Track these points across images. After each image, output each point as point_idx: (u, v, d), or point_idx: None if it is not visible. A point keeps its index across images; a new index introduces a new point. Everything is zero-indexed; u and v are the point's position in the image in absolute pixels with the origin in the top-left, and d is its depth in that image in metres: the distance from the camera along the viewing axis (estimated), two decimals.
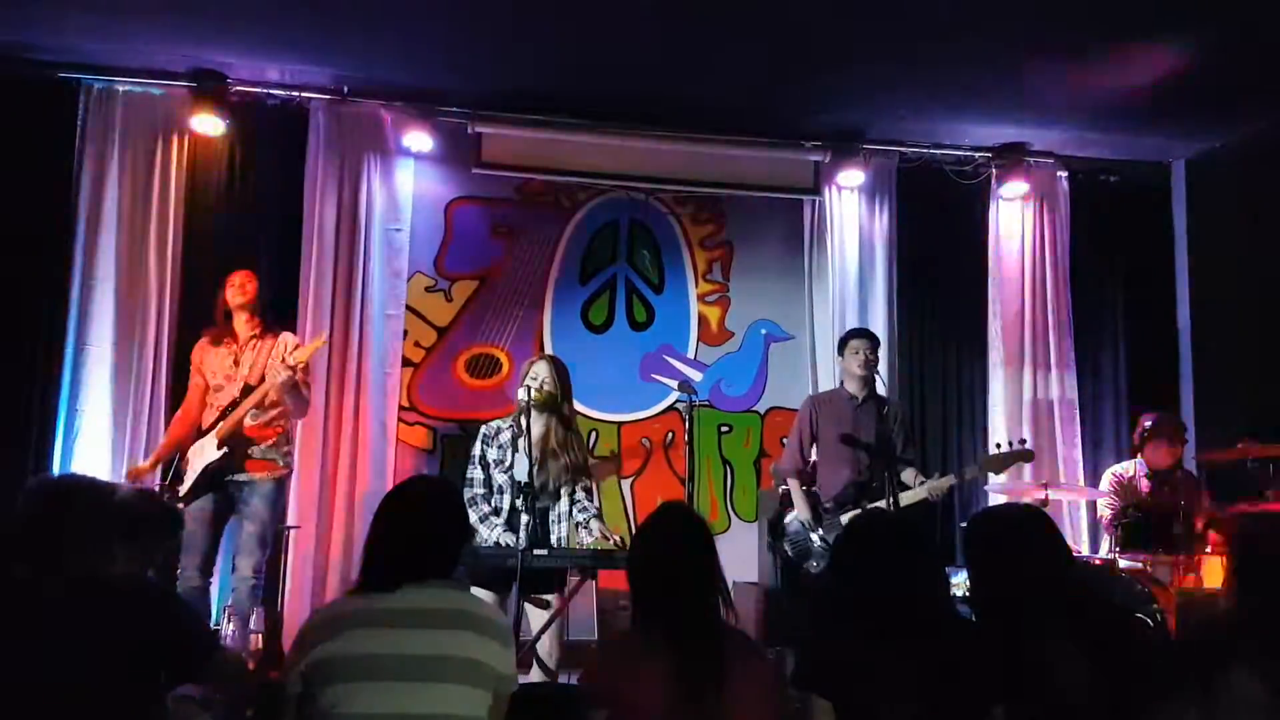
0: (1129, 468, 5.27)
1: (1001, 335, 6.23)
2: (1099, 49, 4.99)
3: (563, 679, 3.77)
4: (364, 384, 5.54)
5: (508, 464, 3.94)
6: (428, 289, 5.86)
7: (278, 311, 4.81)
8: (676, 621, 2.31)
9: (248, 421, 4.45)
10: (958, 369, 6.26)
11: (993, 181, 6.27)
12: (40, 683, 2.03)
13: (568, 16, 4.80)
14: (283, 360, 4.42)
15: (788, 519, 4.79)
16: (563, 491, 3.99)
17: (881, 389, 4.90)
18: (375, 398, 5.57)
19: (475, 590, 3.26)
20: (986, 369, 6.25)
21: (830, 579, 2.61)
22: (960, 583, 3.64)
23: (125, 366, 5.24)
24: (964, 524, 4.00)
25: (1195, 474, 5.40)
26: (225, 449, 4.41)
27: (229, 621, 3.34)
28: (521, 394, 3.95)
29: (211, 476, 4.41)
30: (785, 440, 5.12)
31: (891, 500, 4.31)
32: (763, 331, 6.24)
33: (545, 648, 3.77)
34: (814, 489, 4.82)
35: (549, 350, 5.73)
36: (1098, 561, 5.06)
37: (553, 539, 3.93)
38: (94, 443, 5.15)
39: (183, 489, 4.42)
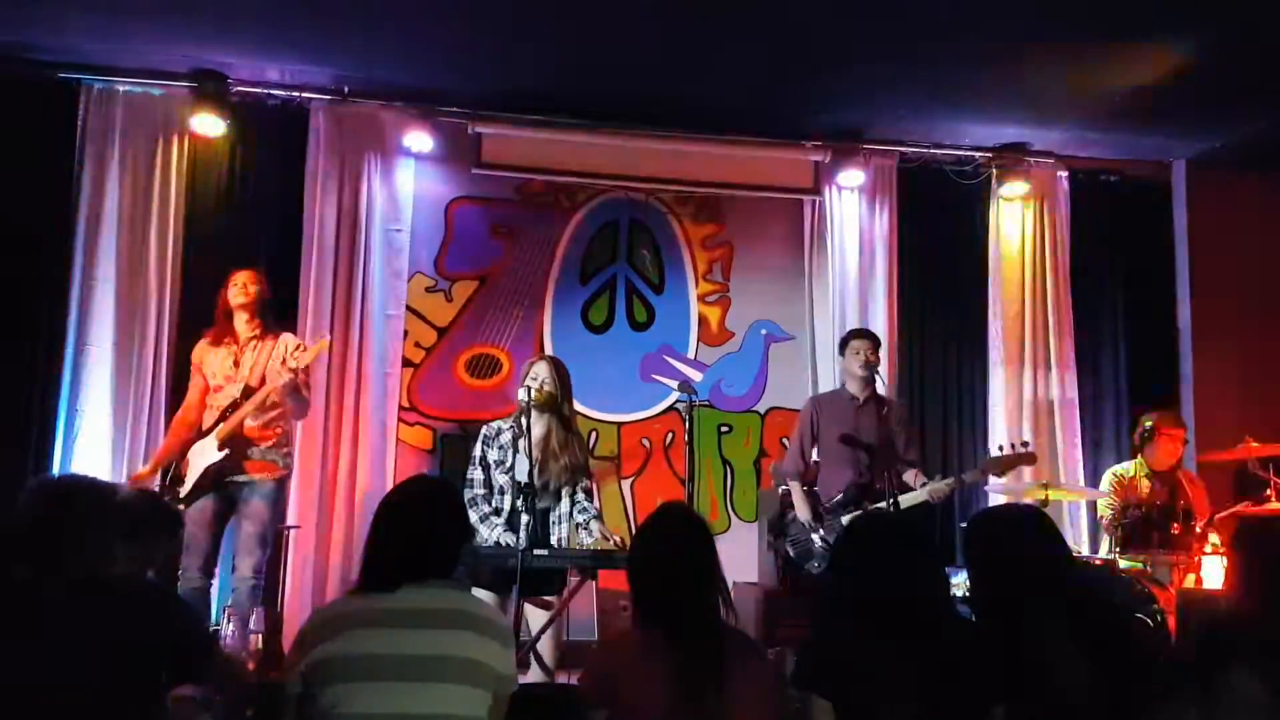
0: (1129, 468, 5.26)
1: (1001, 335, 6.23)
2: (1099, 49, 5.00)
3: (561, 679, 3.76)
4: (364, 384, 5.54)
5: (508, 465, 3.94)
6: (428, 289, 5.86)
7: (277, 312, 4.80)
8: (676, 621, 2.31)
9: (248, 423, 4.45)
10: (958, 369, 6.25)
11: (993, 181, 6.27)
12: (40, 683, 2.03)
13: (568, 16, 4.79)
14: (283, 362, 4.42)
15: (789, 519, 4.80)
16: (563, 492, 3.99)
17: (881, 389, 4.90)
18: (375, 398, 5.57)
19: (475, 591, 3.26)
20: (986, 369, 6.24)
21: (830, 579, 2.60)
22: (960, 583, 3.63)
23: (125, 366, 5.24)
24: (964, 524, 4.00)
25: (1195, 474, 5.40)
26: (226, 450, 4.40)
27: (229, 622, 3.33)
28: (521, 394, 3.95)
29: (212, 478, 4.41)
30: (785, 441, 5.12)
31: (891, 502, 4.31)
32: (763, 332, 6.24)
33: (543, 647, 3.78)
34: (814, 489, 4.82)
35: (549, 350, 5.73)
36: (1098, 561, 5.06)
37: (553, 539, 3.93)
38: (94, 443, 5.15)
39: (183, 490, 4.41)
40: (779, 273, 6.24)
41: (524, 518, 3.74)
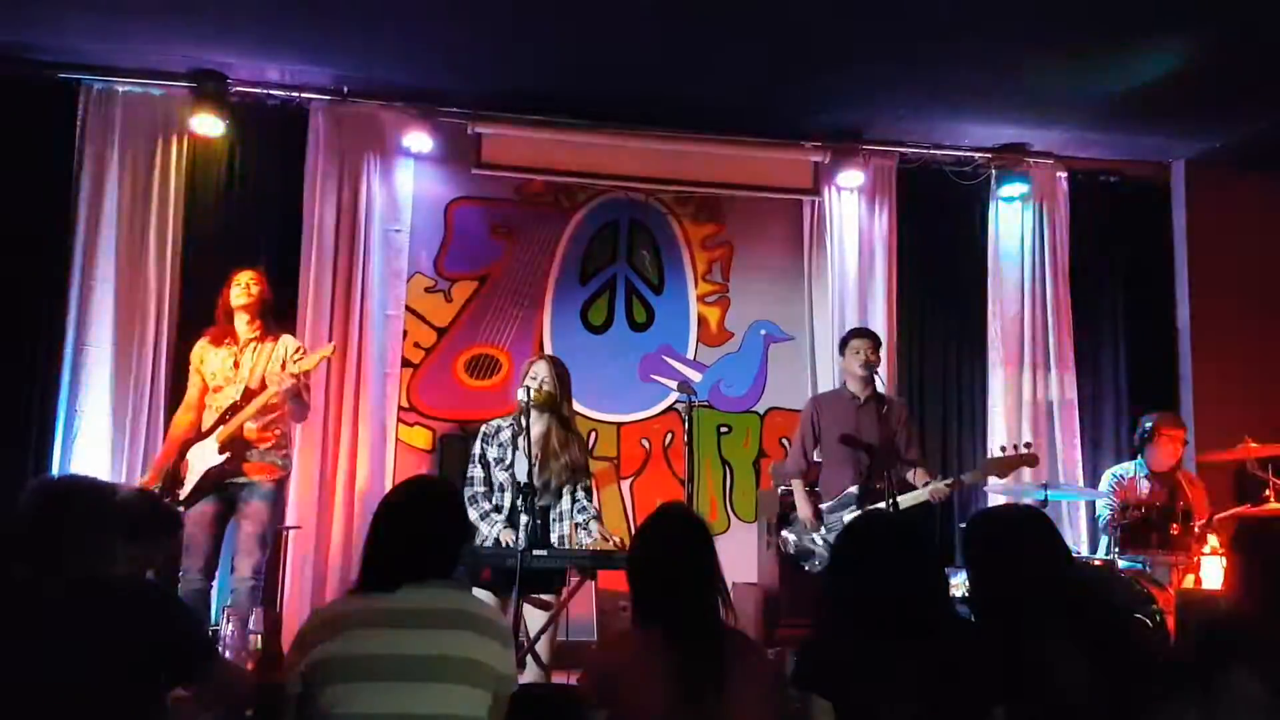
0: (1129, 468, 5.27)
1: (1001, 335, 6.23)
2: (1099, 49, 5.00)
3: (558, 678, 3.77)
4: (364, 384, 5.54)
5: (508, 462, 3.95)
6: (427, 289, 5.86)
7: (277, 313, 4.79)
8: (676, 621, 2.31)
9: (247, 425, 4.44)
10: (958, 369, 6.26)
11: (992, 182, 6.27)
12: (40, 683, 2.03)
13: (568, 16, 4.79)
14: (283, 366, 4.42)
15: (791, 519, 4.81)
16: (564, 490, 3.99)
17: (881, 389, 4.91)
18: (375, 398, 5.57)
19: (475, 591, 3.26)
20: (986, 369, 6.24)
21: (830, 579, 2.60)
22: (960, 583, 3.63)
23: (125, 366, 5.24)
24: (964, 524, 4.00)
25: (1195, 474, 5.40)
26: (227, 454, 4.39)
27: (229, 622, 3.33)
28: (521, 394, 3.95)
29: (212, 480, 4.40)
30: (784, 441, 5.12)
31: (891, 501, 4.31)
32: (762, 332, 6.24)
33: (540, 646, 3.77)
34: (815, 489, 4.82)
35: (548, 351, 5.73)
36: (1098, 562, 5.06)
37: (553, 537, 3.93)
38: (94, 443, 5.15)
39: (183, 492, 4.40)
40: (779, 273, 6.25)
41: (523, 517, 3.74)
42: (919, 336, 6.23)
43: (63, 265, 5.24)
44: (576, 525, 3.96)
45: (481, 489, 3.98)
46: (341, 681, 2.13)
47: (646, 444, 6.00)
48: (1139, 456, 5.23)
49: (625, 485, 5.95)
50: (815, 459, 4.93)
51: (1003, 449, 4.84)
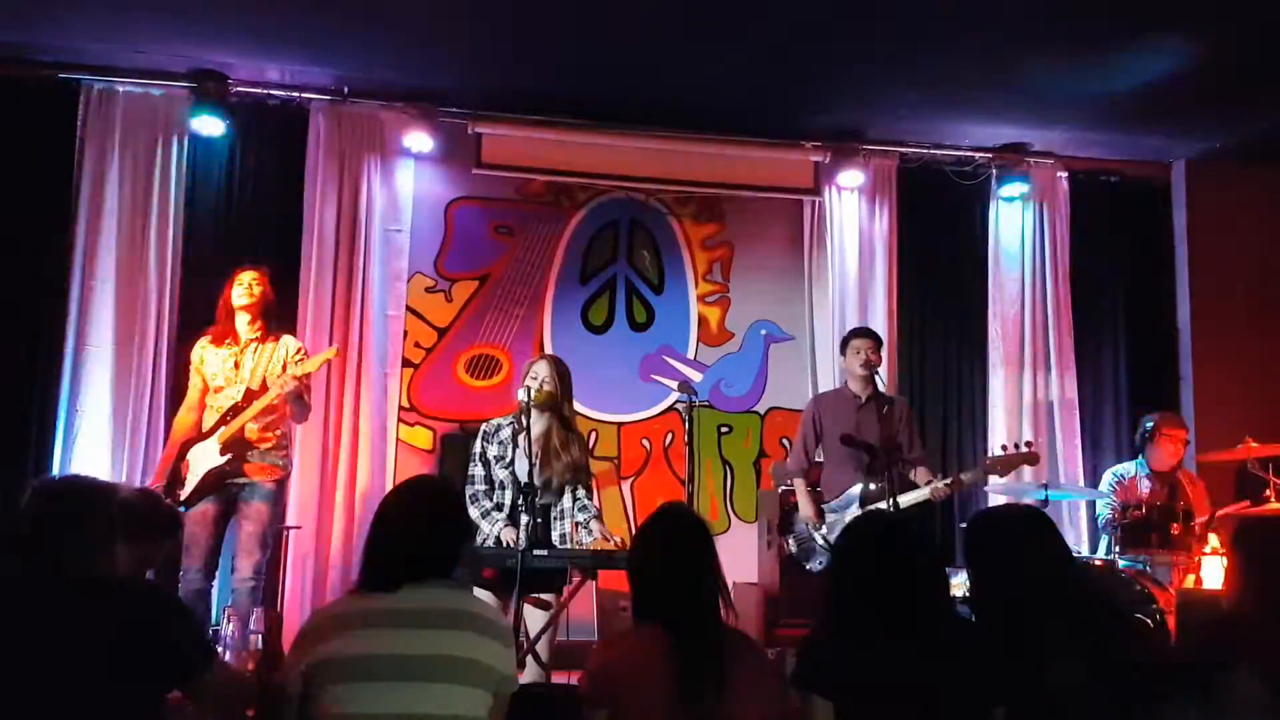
0: (1129, 468, 5.27)
1: (1001, 335, 6.24)
2: (1099, 49, 5.00)
3: (557, 678, 3.77)
4: (364, 384, 5.54)
5: (509, 459, 3.96)
6: (428, 289, 5.86)
7: (277, 314, 4.79)
8: (676, 621, 2.31)
9: (248, 426, 4.44)
10: (958, 369, 6.26)
11: (993, 182, 6.27)
12: (40, 683, 2.03)
13: (568, 16, 4.80)
14: (284, 368, 4.41)
15: (793, 519, 4.82)
16: (565, 489, 4.00)
17: (882, 388, 4.90)
18: (375, 398, 5.57)
19: (476, 591, 3.26)
20: (986, 369, 6.25)
21: (831, 578, 2.60)
22: (960, 583, 3.63)
23: (125, 366, 5.24)
24: (964, 524, 4.00)
25: (1195, 474, 5.40)
26: (228, 455, 4.39)
27: (229, 622, 3.33)
28: (521, 393, 3.95)
29: (213, 481, 4.39)
30: (784, 441, 5.12)
31: (891, 501, 4.31)
32: (763, 332, 6.24)
33: (540, 646, 3.77)
34: (817, 489, 4.82)
35: (549, 350, 5.73)
36: (1098, 561, 5.05)
37: (554, 536, 3.94)
38: (94, 443, 5.15)
39: (184, 493, 4.39)
40: (779, 273, 6.25)
41: (524, 517, 3.74)
42: (919, 336, 6.23)
43: (63, 265, 5.24)
44: (577, 524, 3.96)
45: (483, 487, 3.99)
46: (342, 681, 2.13)
47: (647, 444, 6.00)
48: (1139, 456, 5.23)
49: (626, 485, 5.95)
50: (817, 459, 4.93)
51: (1003, 448, 4.84)
